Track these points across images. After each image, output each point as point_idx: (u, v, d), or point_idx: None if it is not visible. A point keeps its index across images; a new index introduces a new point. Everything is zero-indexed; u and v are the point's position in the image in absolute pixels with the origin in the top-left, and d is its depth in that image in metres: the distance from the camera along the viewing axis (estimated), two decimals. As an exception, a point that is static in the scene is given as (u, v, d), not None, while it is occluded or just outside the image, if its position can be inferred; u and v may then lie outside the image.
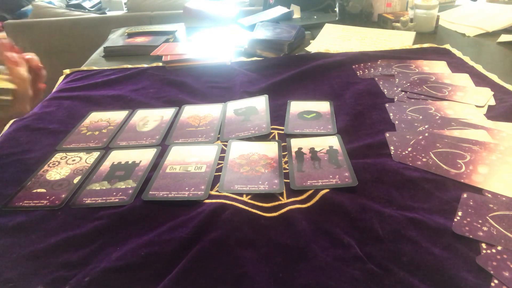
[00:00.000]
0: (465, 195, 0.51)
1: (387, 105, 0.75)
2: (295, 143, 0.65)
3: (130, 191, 0.56)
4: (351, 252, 0.44)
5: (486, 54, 1.03)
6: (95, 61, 1.13)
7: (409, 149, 0.61)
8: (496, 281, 0.40)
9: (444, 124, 0.67)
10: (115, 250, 0.46)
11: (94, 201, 0.55)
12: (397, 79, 0.86)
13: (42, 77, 0.57)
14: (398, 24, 1.21)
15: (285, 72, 0.93)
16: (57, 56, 2.23)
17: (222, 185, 0.56)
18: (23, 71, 0.52)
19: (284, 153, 0.63)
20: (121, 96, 0.87)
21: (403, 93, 0.80)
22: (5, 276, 0.44)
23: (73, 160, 0.65)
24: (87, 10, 2.85)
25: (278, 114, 0.75)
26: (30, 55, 0.55)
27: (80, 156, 0.66)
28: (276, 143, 0.66)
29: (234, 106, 0.79)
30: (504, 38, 1.07)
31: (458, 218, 0.48)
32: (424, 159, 0.59)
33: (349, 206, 0.50)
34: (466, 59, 0.94)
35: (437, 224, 0.47)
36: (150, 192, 0.55)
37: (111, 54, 1.16)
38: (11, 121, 0.78)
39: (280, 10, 1.39)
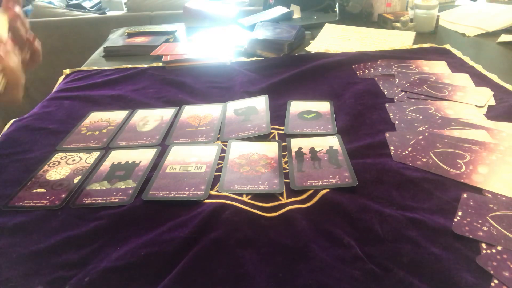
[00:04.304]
0: (465, 195, 0.51)
1: (387, 105, 0.75)
2: (295, 143, 0.65)
3: (130, 191, 0.56)
4: (351, 252, 0.44)
5: (486, 54, 1.03)
6: (95, 61, 1.13)
7: (409, 149, 0.61)
8: (496, 281, 0.40)
9: (444, 124, 0.67)
10: (115, 250, 0.46)
11: (94, 201, 0.55)
12: (397, 79, 0.86)
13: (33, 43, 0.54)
14: (398, 24, 1.21)
15: (285, 72, 0.92)
16: (57, 56, 2.22)
17: (222, 185, 0.56)
18: (12, 60, 0.49)
19: (284, 153, 0.63)
20: (121, 96, 0.87)
21: (403, 93, 0.80)
22: (5, 276, 0.44)
23: (73, 160, 0.65)
24: (87, 10, 2.84)
25: (278, 114, 0.75)
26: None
27: (80, 156, 0.66)
28: (276, 143, 0.66)
29: (234, 106, 0.79)
30: (504, 38, 1.07)
31: (458, 218, 0.48)
32: (424, 159, 0.59)
33: (349, 206, 0.50)
34: (466, 59, 0.94)
35: (437, 224, 0.47)
36: (150, 192, 0.55)
37: (111, 54, 1.16)
38: (11, 121, 0.78)
39: (280, 10, 1.39)
